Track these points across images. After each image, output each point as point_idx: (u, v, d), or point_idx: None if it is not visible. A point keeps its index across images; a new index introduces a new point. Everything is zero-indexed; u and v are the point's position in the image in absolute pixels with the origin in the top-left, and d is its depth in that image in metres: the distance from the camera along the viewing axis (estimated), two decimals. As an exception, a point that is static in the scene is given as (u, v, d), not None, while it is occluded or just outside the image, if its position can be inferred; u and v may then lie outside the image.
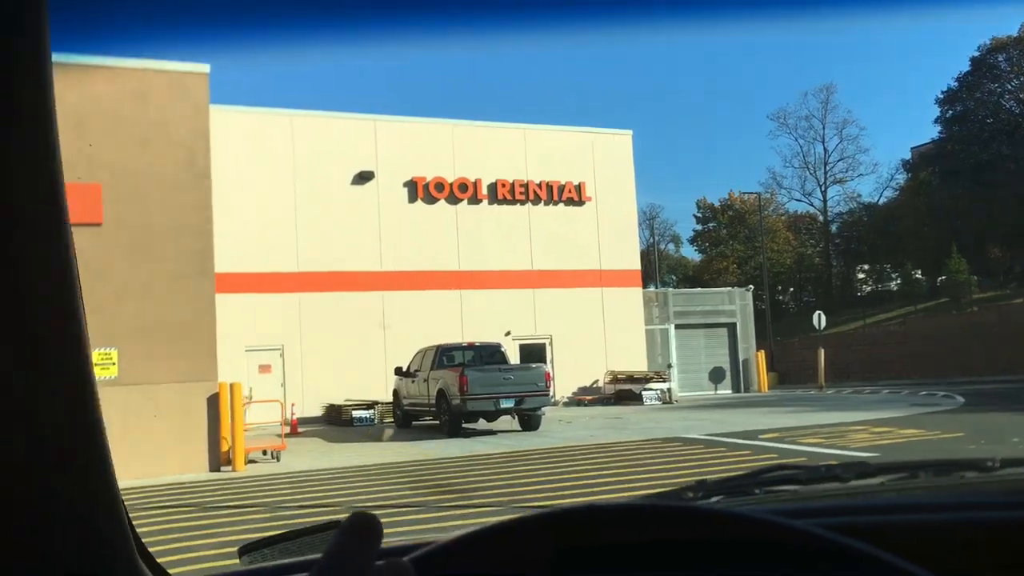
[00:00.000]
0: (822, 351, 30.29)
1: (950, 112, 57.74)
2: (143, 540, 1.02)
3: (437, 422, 18.91)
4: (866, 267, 68.41)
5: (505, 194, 28.62)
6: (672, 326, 31.02)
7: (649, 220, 79.33)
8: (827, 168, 69.99)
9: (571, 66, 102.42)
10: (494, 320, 27.30)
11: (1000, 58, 55.43)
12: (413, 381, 20.34)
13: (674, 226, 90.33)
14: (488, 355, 19.56)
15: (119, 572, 0.92)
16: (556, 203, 29.34)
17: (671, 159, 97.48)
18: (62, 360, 0.85)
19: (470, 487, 11.14)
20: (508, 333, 27.61)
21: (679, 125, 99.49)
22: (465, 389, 17.44)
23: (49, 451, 0.84)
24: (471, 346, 20.16)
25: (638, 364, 29.17)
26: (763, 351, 32.59)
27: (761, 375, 31.92)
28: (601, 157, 29.80)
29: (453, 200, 27.96)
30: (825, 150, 68.93)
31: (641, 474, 11.38)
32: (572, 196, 29.44)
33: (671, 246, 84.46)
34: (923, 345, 38.75)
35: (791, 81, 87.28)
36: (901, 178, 65.20)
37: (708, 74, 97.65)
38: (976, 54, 56.00)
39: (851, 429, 15.96)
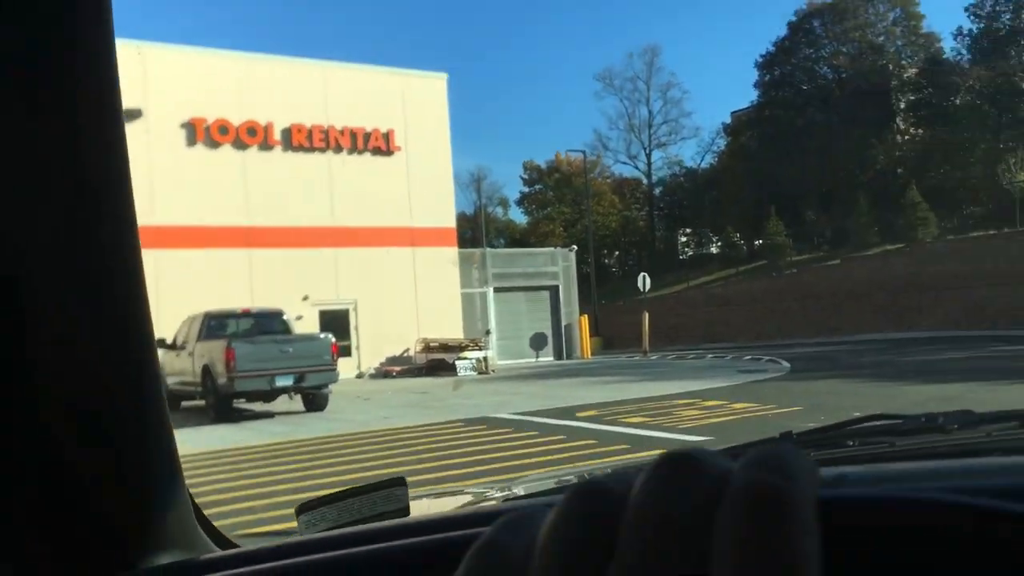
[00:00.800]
0: (646, 315, 28.90)
1: (768, 77, 58.53)
2: None
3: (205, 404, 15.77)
4: (688, 231, 69.25)
5: (302, 140, 25.23)
6: (491, 289, 28.72)
7: (476, 182, 77.65)
8: (651, 131, 70.17)
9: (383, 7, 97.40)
10: (290, 283, 24.07)
11: (816, 23, 56.46)
12: (178, 355, 16.97)
13: (502, 188, 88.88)
14: (267, 324, 16.47)
15: (177, 534, 0.93)
16: (361, 152, 26.22)
17: (498, 120, 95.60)
18: (125, 328, 0.88)
19: (208, 494, 8.24)
20: (306, 298, 24.46)
21: (506, 85, 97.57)
22: (232, 365, 14.37)
23: (111, 414, 0.87)
24: (246, 313, 16.98)
25: (454, 331, 26.72)
26: (587, 315, 30.90)
27: (584, 341, 30.21)
28: (412, 102, 26.89)
29: (240, 145, 24.34)
30: (649, 112, 68.93)
31: (428, 472, 8.83)
32: (379, 145, 26.39)
33: (499, 209, 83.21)
34: (744, 308, 38.57)
35: (618, 41, 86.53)
36: (722, 143, 66.06)
37: (534, 30, 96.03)
38: (793, 19, 56.83)
39: (678, 404, 14.08)
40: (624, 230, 70.35)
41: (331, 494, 1.20)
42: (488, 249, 30.67)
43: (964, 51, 49.59)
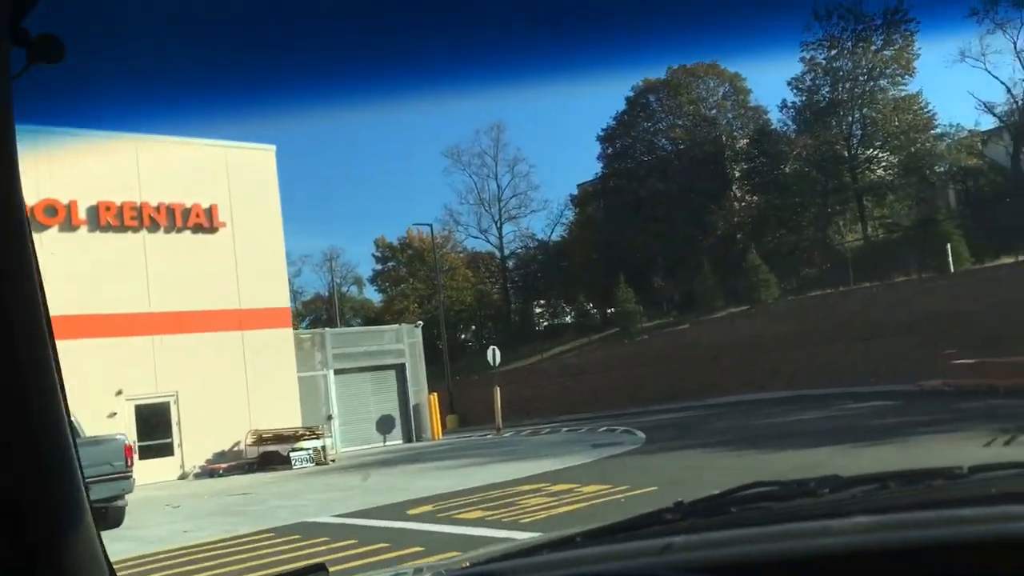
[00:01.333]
0: (498, 390, 27.62)
1: (610, 149, 59.61)
2: None
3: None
4: (542, 302, 69.23)
5: (111, 219, 22.92)
6: (331, 371, 26.76)
7: (328, 261, 76.01)
8: (501, 205, 70.29)
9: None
10: (101, 377, 21.47)
11: (651, 99, 58.17)
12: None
13: (356, 267, 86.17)
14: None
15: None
16: (180, 230, 24.08)
17: (351, 199, 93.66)
18: (34, 383, 0.96)
19: None
20: (120, 392, 21.92)
21: (358, 165, 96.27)
22: (-2, 481, 11.99)
23: (21, 462, 0.96)
24: (25, 416, 14.56)
25: (292, 418, 24.56)
26: (437, 393, 29.26)
27: (435, 420, 28.56)
28: (238, 176, 25.07)
29: (38, 227, 21.76)
30: (498, 187, 69.06)
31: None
32: (201, 222, 24.34)
33: (354, 288, 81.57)
34: (598, 376, 38.04)
35: (463, 118, 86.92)
36: (570, 214, 66.65)
37: (383, 107, 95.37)
38: (631, 94, 58.37)
39: (524, 490, 12.74)
40: (480, 304, 69.71)
41: None
42: (327, 329, 28.73)
43: (790, 122, 51.91)
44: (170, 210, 23.78)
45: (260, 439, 23.29)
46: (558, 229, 68.81)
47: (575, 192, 66.08)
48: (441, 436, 28.52)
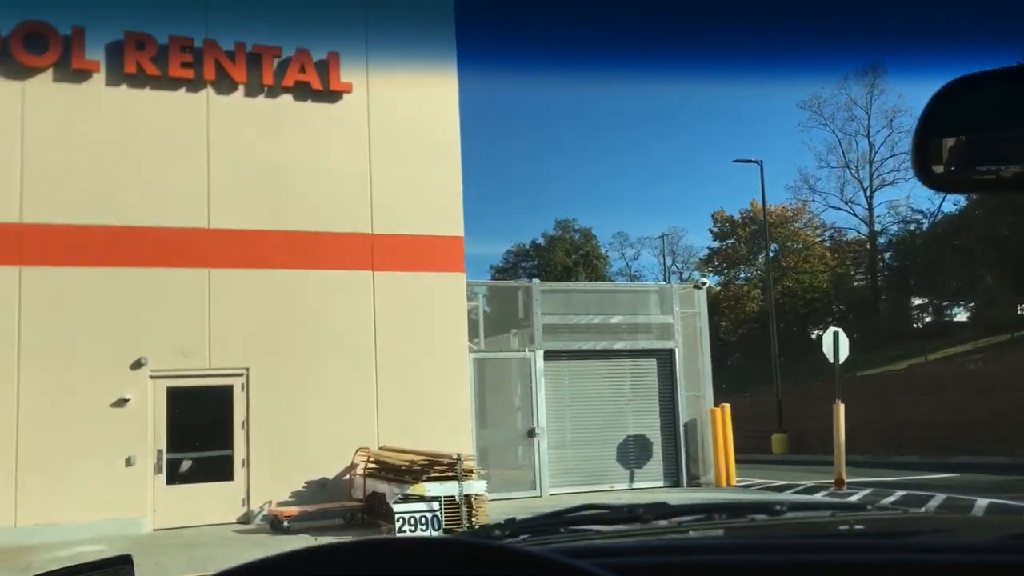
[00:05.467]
0: (840, 408, 14.59)
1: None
2: None
3: None
4: (924, 299, 53.63)
5: (148, 65, 13.74)
6: (539, 353, 15.53)
7: (661, 239, 68.26)
8: (873, 168, 55.66)
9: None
10: (108, 333, 12.53)
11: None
12: None
13: (699, 252, 74.84)
14: None
15: None
16: (279, 93, 14.30)
17: (688, 174, 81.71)
18: None
19: None
20: (141, 363, 12.79)
21: (690, 128, 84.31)
22: None
23: None
24: None
25: (457, 429, 13.86)
26: (726, 405, 16.54)
27: (722, 453, 16.16)
28: None
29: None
30: (870, 145, 54.27)
31: None
32: (308, 80, 14.32)
33: (696, 274, 72.59)
34: (1012, 395, 23.00)
35: (825, 61, 70.12)
36: (972, 171, 49.60)
37: (718, 58, 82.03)
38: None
39: None
40: (838, 292, 55.78)
41: (59, 569, 1.16)
42: (535, 281, 17.09)
43: None
44: (254, 59, 14.02)
45: (380, 467, 12.78)
46: (950, 200, 52.08)
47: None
48: (733, 480, 16.12)
